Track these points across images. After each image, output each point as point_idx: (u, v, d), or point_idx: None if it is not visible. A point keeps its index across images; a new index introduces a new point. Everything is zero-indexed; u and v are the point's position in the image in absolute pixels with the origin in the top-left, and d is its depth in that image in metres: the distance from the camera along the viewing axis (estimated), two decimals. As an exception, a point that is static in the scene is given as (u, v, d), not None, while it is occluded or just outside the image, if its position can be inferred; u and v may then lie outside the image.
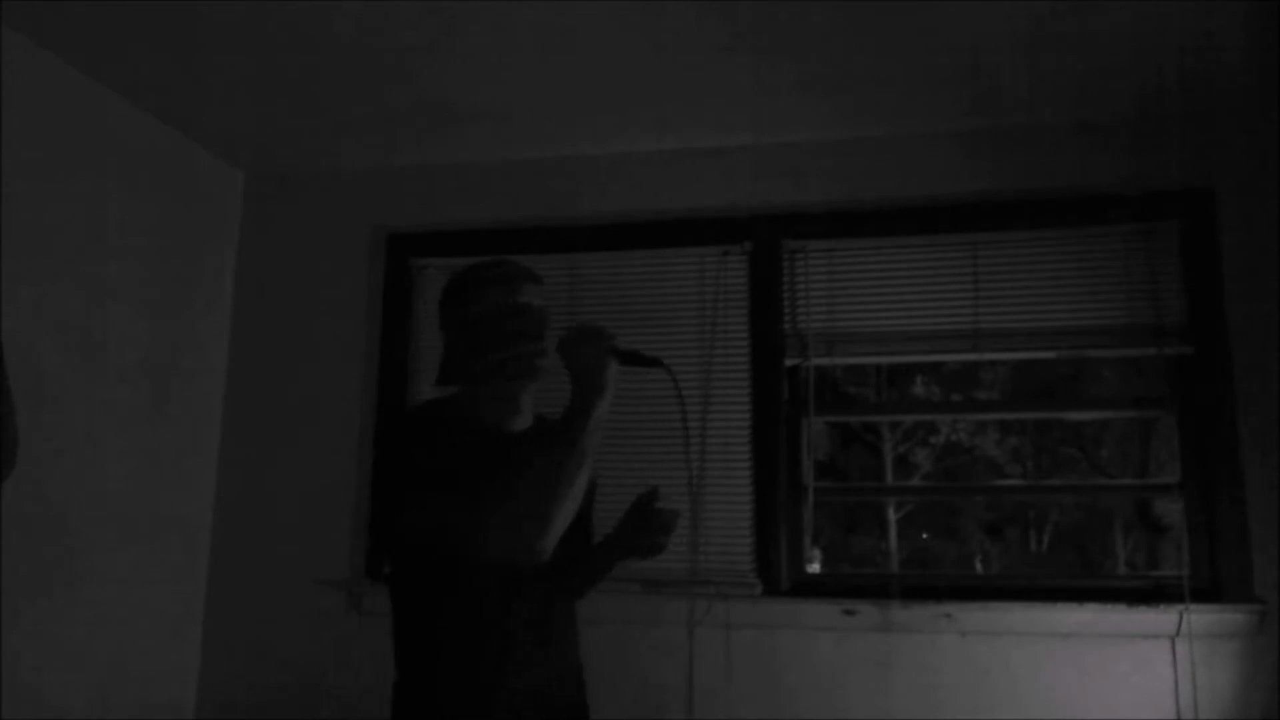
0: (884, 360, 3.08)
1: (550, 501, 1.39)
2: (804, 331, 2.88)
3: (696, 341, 2.92)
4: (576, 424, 1.42)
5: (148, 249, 2.86)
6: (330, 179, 3.24)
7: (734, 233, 2.96)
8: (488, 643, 1.52)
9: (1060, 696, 2.53)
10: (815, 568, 2.79)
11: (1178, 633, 2.49)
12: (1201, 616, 2.48)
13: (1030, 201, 2.80)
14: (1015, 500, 13.32)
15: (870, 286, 2.89)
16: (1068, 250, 2.78)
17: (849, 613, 2.67)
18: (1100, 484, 11.24)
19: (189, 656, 2.99)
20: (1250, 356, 2.59)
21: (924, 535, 13.59)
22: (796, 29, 2.33)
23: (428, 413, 1.59)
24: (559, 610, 1.65)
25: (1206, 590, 2.54)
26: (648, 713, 2.69)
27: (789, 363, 2.88)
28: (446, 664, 1.52)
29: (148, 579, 2.82)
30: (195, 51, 2.50)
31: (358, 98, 2.74)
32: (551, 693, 1.59)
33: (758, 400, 2.86)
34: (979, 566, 13.23)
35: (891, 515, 13.04)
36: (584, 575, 1.73)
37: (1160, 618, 2.50)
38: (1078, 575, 10.89)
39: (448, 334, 1.66)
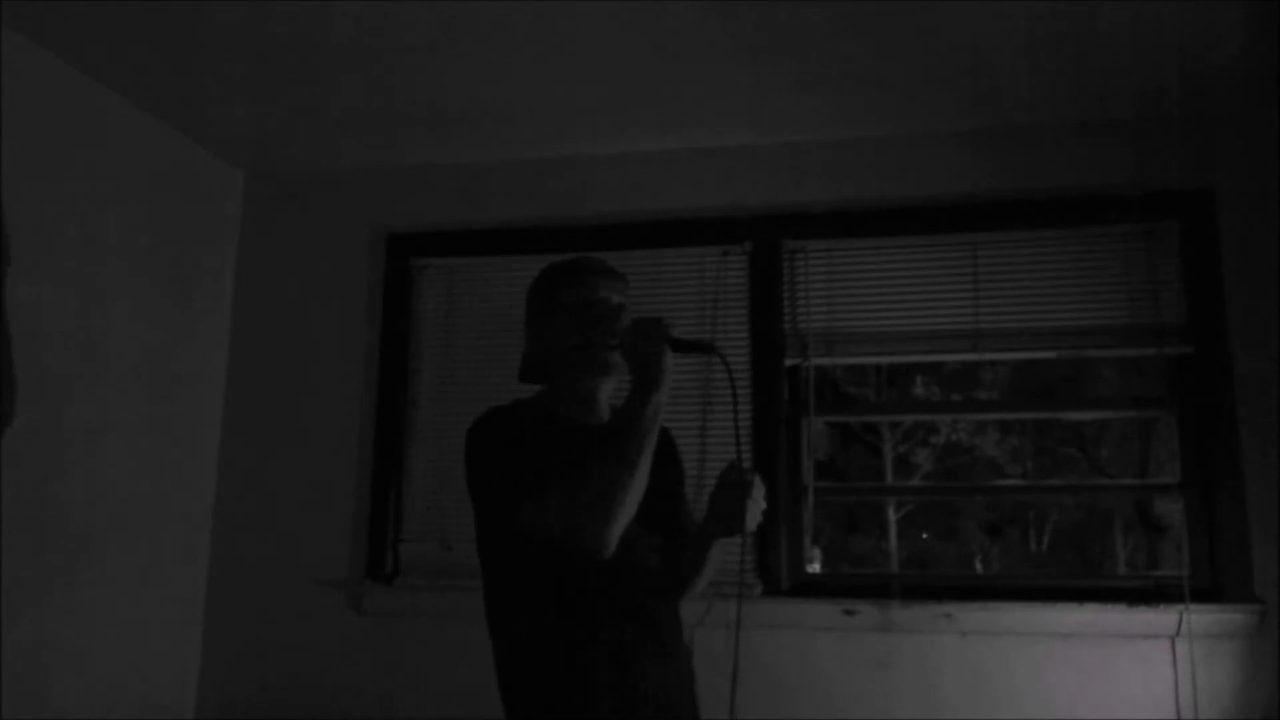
0: (884, 360, 3.08)
1: (609, 492, 1.39)
2: (804, 331, 2.88)
3: (696, 341, 2.92)
4: (632, 414, 1.43)
5: (148, 249, 2.86)
6: (330, 179, 3.24)
7: (734, 233, 2.96)
8: (582, 648, 1.51)
9: (1060, 697, 2.53)
10: (815, 568, 2.79)
11: (1178, 633, 2.49)
12: (1201, 616, 2.48)
13: (1030, 201, 2.80)
14: (1015, 500, 13.30)
15: (870, 286, 2.89)
16: (1068, 250, 2.78)
17: (849, 613, 2.67)
18: (1100, 484, 11.23)
19: (189, 656, 2.99)
20: (1250, 356, 2.59)
21: (924, 535, 13.58)
22: (796, 29, 2.33)
23: (514, 412, 1.59)
24: (659, 613, 1.63)
25: (1206, 590, 2.54)
26: (648, 713, 2.69)
27: (789, 363, 2.88)
28: (542, 671, 1.52)
29: (148, 579, 2.82)
30: (195, 51, 2.50)
31: (358, 98, 2.74)
32: (659, 698, 1.57)
33: (758, 400, 2.86)
34: (979, 566, 13.23)
35: (891, 515, 13.03)
36: (680, 571, 1.69)
37: (1160, 618, 2.50)
38: (1078, 575, 10.89)
39: (529, 331, 1.68)
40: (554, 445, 1.53)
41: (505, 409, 1.60)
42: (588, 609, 1.53)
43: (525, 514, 1.45)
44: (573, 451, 1.51)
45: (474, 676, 1.81)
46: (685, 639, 1.70)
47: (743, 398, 2.87)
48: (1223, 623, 2.48)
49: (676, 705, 1.61)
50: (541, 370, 1.67)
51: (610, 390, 1.68)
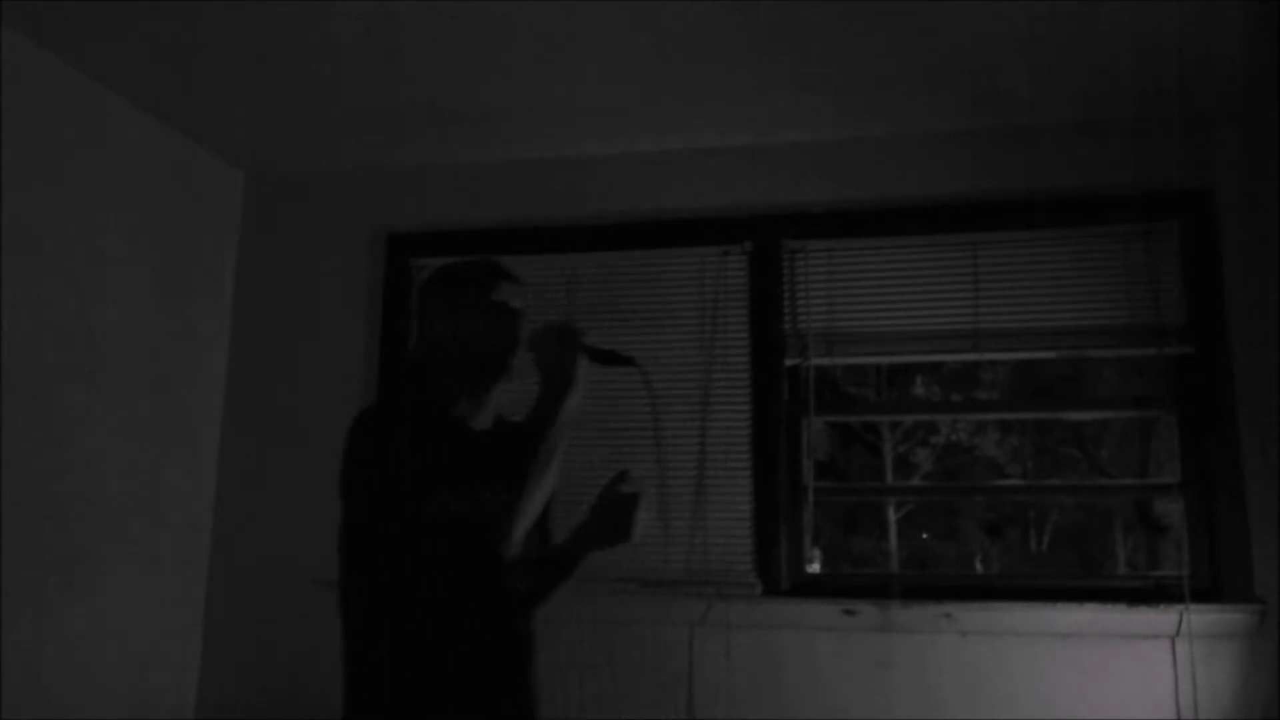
0: (884, 360, 3.09)
1: (519, 495, 1.40)
2: (804, 331, 2.88)
3: (696, 341, 2.92)
4: (545, 419, 1.43)
5: (148, 249, 2.86)
6: (330, 179, 3.24)
7: (734, 233, 2.96)
8: (445, 648, 1.50)
9: (1060, 697, 2.53)
10: (815, 568, 2.79)
11: (1178, 633, 2.49)
12: (1201, 616, 2.48)
13: (1030, 201, 2.80)
14: (1015, 500, 13.31)
15: (870, 286, 2.89)
16: (1068, 250, 2.78)
17: (849, 613, 2.67)
18: (1100, 484, 11.24)
19: (189, 656, 2.99)
20: (1250, 356, 2.59)
21: (924, 535, 13.59)
22: (796, 29, 2.33)
23: (404, 409, 1.58)
24: (519, 618, 1.63)
25: (1206, 590, 2.53)
26: (648, 713, 2.69)
27: (789, 363, 2.88)
28: (399, 668, 1.50)
29: (148, 579, 2.82)
30: (195, 51, 2.50)
31: (358, 98, 2.74)
32: (496, 706, 1.56)
33: (758, 400, 2.86)
34: (979, 566, 13.24)
35: (891, 515, 13.04)
36: (544, 577, 1.69)
37: (1160, 618, 2.50)
38: (1078, 575, 10.89)
39: (422, 331, 1.66)
40: (455, 445, 1.52)
41: (395, 405, 1.58)
42: (461, 610, 1.51)
43: (435, 510, 1.43)
44: (476, 453, 1.51)
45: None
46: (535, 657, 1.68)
47: (743, 398, 2.87)
48: (1223, 623, 2.48)
49: (519, 709, 1.60)
50: (433, 371, 1.64)
51: (500, 396, 1.66)
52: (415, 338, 1.68)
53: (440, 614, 1.50)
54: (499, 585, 1.54)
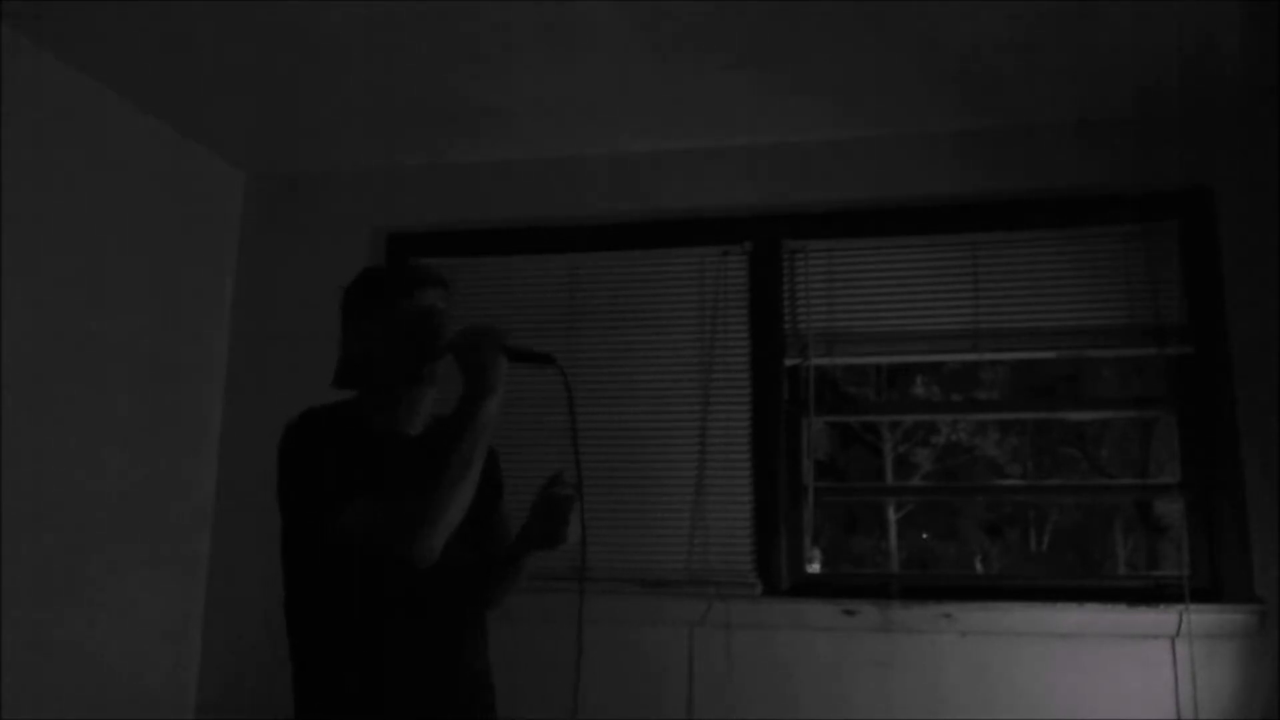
0: (884, 360, 3.08)
1: (435, 500, 1.38)
2: (804, 331, 2.88)
3: (696, 341, 2.92)
4: (464, 422, 1.42)
5: (148, 249, 2.86)
6: (330, 179, 3.24)
7: (734, 233, 2.96)
8: (385, 655, 1.50)
9: (1060, 696, 2.53)
10: (815, 568, 2.79)
11: (1178, 633, 2.49)
12: (1201, 616, 2.48)
13: (1030, 201, 2.80)
14: (1015, 500, 13.30)
15: (870, 286, 2.89)
16: (1068, 250, 2.78)
17: (849, 613, 2.67)
18: (1100, 484, 11.23)
19: (189, 656, 2.99)
20: (1250, 356, 2.59)
21: (924, 535, 13.59)
22: (797, 29, 2.33)
23: (330, 416, 1.56)
24: (465, 621, 1.63)
25: (1206, 590, 2.53)
26: (648, 713, 2.69)
27: (789, 363, 2.88)
28: (342, 676, 1.52)
29: (148, 579, 2.82)
30: (195, 51, 2.50)
31: (358, 98, 2.74)
32: (452, 705, 1.57)
33: (758, 400, 2.86)
34: (979, 566, 13.23)
35: (891, 515, 13.04)
36: (493, 579, 1.70)
37: (1160, 618, 2.50)
38: (1078, 575, 10.89)
39: (347, 337, 1.66)
40: (377, 452, 1.52)
41: (322, 412, 1.56)
42: (398, 615, 1.52)
43: (349, 519, 1.42)
44: (398, 459, 1.50)
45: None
46: (487, 654, 1.69)
47: (743, 398, 2.87)
48: (1223, 623, 2.48)
49: (471, 714, 1.60)
50: (360, 376, 1.64)
51: (431, 400, 1.66)
52: (341, 346, 1.67)
53: (374, 619, 1.51)
54: (427, 588, 1.53)
